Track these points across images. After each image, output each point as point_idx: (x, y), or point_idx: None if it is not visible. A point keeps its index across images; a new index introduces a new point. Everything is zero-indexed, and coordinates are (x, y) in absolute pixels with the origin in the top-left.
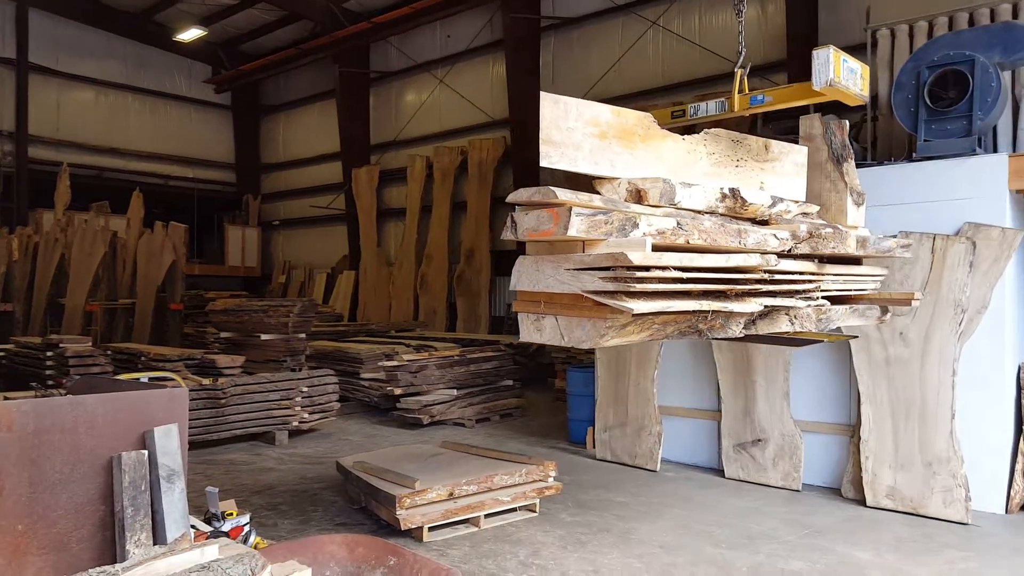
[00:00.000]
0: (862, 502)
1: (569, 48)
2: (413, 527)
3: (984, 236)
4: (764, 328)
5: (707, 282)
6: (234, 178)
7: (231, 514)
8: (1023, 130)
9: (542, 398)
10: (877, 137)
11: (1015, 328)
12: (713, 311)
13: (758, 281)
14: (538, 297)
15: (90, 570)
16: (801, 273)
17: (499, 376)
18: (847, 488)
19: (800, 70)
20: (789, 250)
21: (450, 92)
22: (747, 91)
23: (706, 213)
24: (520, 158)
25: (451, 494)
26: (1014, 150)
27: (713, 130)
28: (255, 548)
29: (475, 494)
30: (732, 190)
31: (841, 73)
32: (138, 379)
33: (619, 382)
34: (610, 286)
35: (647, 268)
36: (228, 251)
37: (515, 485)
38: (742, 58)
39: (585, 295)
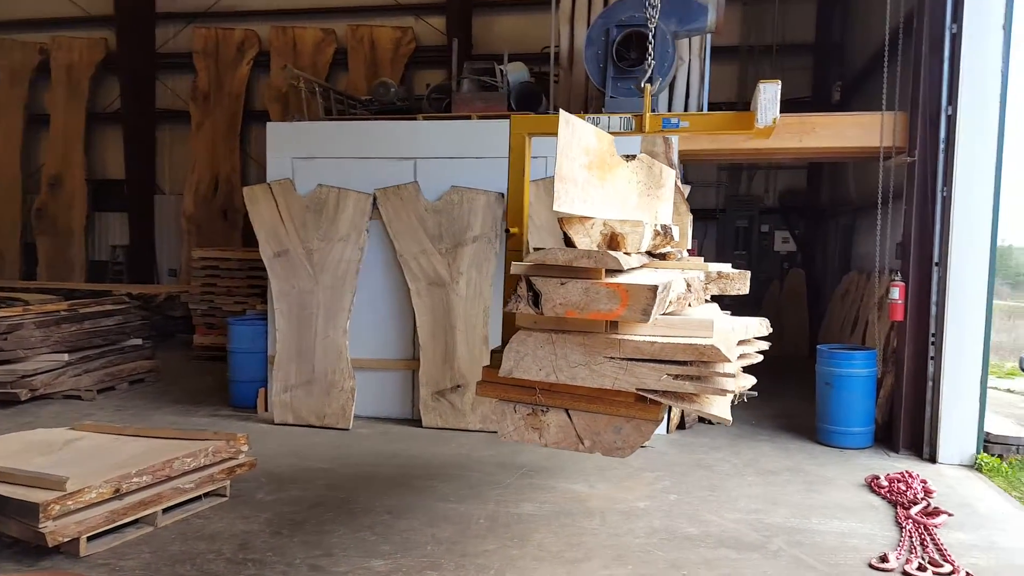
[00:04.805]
0: None
1: None
2: (65, 540)
3: None
4: None
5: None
6: None
7: None
8: (677, 96)
9: (179, 357)
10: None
11: None
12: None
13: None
14: (529, 383)
15: None
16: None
17: (124, 335)
18: None
19: (460, 15)
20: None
21: None
22: (653, 110)
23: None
24: (129, 67)
25: (117, 491)
26: (669, 110)
27: (641, 155)
28: None
29: (149, 486)
30: (664, 227)
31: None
32: None
33: (303, 336)
34: (689, 386)
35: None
36: None
37: (201, 468)
38: (651, 71)
39: (642, 393)
